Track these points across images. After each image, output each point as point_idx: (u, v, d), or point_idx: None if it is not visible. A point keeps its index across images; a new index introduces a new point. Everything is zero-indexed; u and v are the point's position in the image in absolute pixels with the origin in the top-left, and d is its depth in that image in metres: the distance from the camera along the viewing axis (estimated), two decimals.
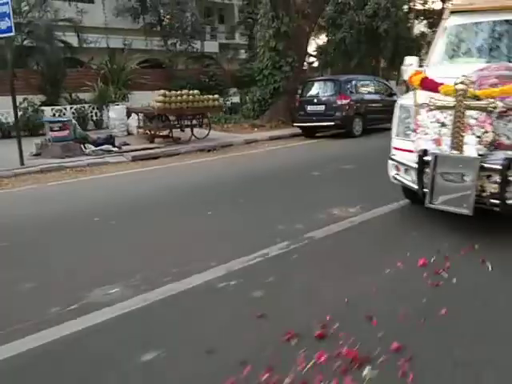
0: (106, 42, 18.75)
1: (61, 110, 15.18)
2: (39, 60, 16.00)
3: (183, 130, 12.98)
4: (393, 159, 5.25)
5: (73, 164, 10.07)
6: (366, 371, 2.65)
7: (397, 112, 5.30)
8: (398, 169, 5.24)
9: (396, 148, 5.27)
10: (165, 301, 3.57)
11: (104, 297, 3.67)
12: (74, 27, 16.35)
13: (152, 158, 11.04)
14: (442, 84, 4.85)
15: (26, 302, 3.67)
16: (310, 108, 13.90)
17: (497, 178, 4.27)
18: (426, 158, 4.64)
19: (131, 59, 17.81)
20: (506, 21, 5.13)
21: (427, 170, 4.65)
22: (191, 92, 12.67)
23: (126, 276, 4.03)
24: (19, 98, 13.36)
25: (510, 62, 4.75)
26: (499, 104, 4.27)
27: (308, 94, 14.22)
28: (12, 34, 9.75)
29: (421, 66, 5.68)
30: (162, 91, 12.31)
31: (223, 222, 5.57)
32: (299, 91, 14.90)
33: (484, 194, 4.41)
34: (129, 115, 13.80)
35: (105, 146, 11.24)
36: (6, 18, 9.26)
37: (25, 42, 16.08)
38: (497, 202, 4.32)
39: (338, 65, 21.53)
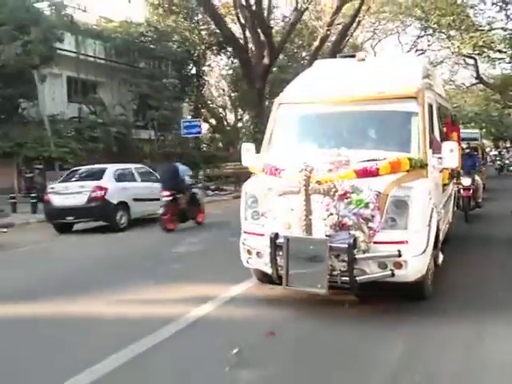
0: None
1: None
2: (120, 145, 22.89)
3: (239, 185, 18.02)
4: (244, 244, 5.10)
5: (215, 199, 18.13)
6: None
7: (243, 197, 5.24)
8: (249, 253, 5.05)
9: (246, 232, 5.12)
10: None
11: None
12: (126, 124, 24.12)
13: (238, 197, 15.63)
14: (283, 170, 4.97)
15: None
16: None
17: (344, 257, 4.39)
18: (278, 242, 4.59)
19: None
20: (332, 113, 5.57)
21: (280, 253, 4.61)
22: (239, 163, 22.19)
23: None
24: None
25: (340, 147, 5.10)
26: (339, 188, 4.49)
27: None
28: (200, 134, 22.62)
29: (257, 152, 5.82)
30: (231, 163, 23.06)
31: None
32: None
33: (334, 273, 4.42)
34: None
35: (215, 192, 19.79)
36: (197, 127, 20.41)
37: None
38: (347, 279, 4.43)
39: None
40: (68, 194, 11.03)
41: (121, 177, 11.79)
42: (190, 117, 29.36)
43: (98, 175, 11.46)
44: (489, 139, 46.10)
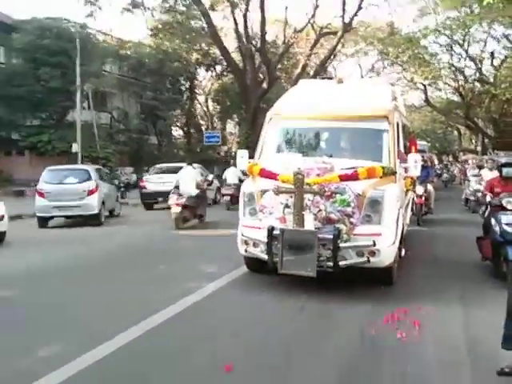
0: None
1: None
2: (139, 148, 27.91)
3: None
4: (243, 235, 5.74)
5: None
6: None
7: (242, 196, 5.96)
8: (247, 243, 5.71)
9: (244, 226, 5.75)
10: None
11: None
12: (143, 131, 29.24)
13: None
14: (278, 174, 5.73)
15: None
16: None
17: (330, 246, 5.15)
18: (274, 233, 5.27)
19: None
20: (316, 127, 6.33)
21: (275, 242, 5.34)
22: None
23: None
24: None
25: (323, 156, 5.93)
26: (326, 189, 5.30)
27: None
28: (219, 143, 27.71)
29: (251, 157, 6.56)
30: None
31: None
32: None
33: (321, 259, 5.14)
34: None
35: None
36: (216, 137, 25.66)
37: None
38: (331, 264, 5.22)
39: None
40: (161, 182, 15.29)
41: None
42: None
43: (176, 170, 14.44)
44: (433, 153, 48.74)
